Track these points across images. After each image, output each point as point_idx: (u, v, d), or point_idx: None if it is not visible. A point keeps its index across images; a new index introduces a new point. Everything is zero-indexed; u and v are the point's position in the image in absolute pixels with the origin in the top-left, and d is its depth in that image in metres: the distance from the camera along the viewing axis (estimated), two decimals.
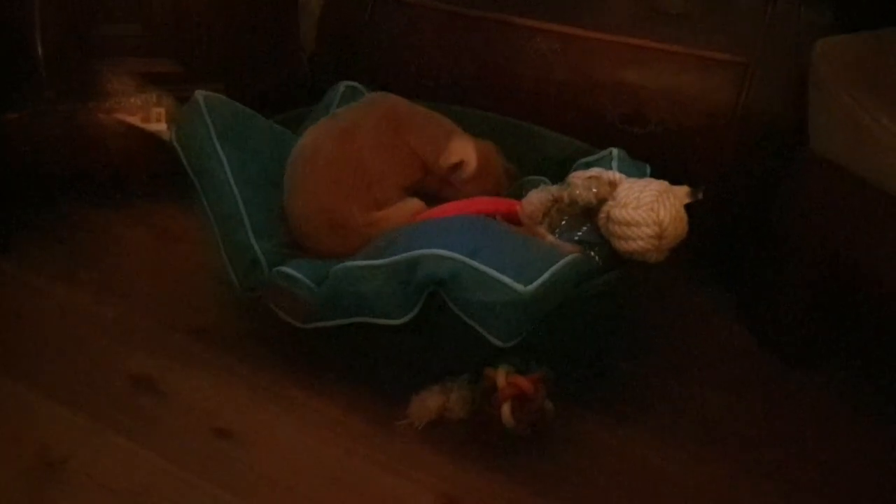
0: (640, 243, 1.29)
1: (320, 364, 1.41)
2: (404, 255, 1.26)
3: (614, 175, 1.38)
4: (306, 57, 2.11)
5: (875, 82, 1.34)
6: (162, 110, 1.90)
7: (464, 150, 1.51)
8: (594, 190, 1.35)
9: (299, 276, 1.35)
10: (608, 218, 1.32)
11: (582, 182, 1.36)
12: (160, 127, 1.89)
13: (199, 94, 1.49)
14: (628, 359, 1.50)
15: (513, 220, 1.43)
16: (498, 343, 1.20)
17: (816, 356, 1.51)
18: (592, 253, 1.33)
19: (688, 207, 1.35)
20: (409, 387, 1.33)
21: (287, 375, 1.40)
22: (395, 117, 1.54)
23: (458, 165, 1.51)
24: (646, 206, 1.29)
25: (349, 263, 1.31)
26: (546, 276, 1.20)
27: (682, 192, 1.37)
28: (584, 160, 1.57)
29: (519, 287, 1.17)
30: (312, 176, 1.46)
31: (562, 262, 1.23)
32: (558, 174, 1.60)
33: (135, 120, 1.93)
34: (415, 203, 1.46)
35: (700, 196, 1.37)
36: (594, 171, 1.42)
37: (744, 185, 1.59)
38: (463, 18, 1.79)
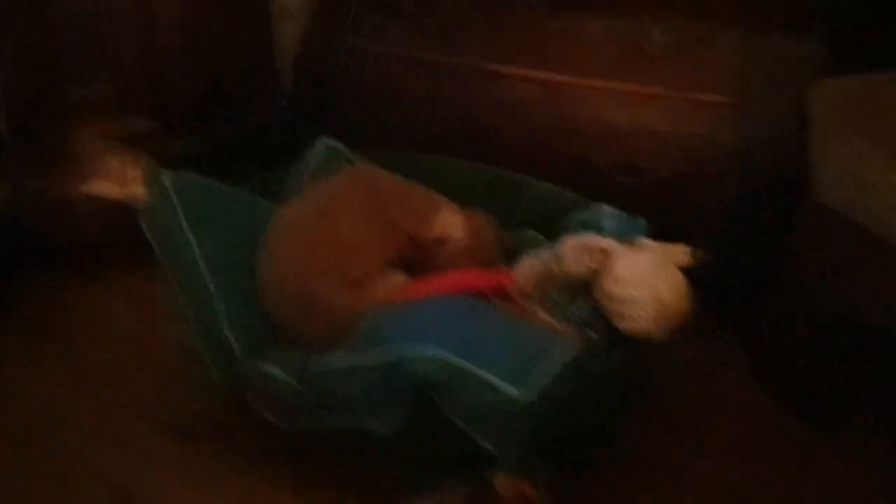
0: (641, 323, 1.21)
1: (309, 465, 1.34)
2: (389, 354, 1.18)
3: (605, 242, 1.29)
4: (285, 99, 2.03)
5: (875, 131, 1.26)
6: (139, 173, 1.81)
7: (450, 224, 1.44)
8: (585, 261, 1.26)
9: (280, 374, 1.27)
10: (603, 293, 1.24)
11: (572, 253, 1.27)
12: (138, 191, 1.81)
13: (167, 178, 1.40)
14: (632, 424, 1.42)
15: (504, 295, 1.34)
16: (494, 452, 1.12)
17: (835, 414, 1.42)
18: (591, 333, 1.24)
19: (689, 269, 1.27)
20: (402, 489, 1.25)
21: (276, 478, 1.32)
22: (375, 190, 1.46)
23: (445, 239, 1.43)
24: (642, 282, 1.21)
25: (331, 363, 1.23)
26: (546, 379, 1.11)
27: (680, 254, 1.29)
28: (577, 217, 1.48)
29: (516, 394, 1.09)
30: (287, 257, 1.38)
31: (561, 362, 1.15)
32: (550, 227, 1.52)
33: (110, 188, 1.85)
34: (398, 280, 1.38)
35: (701, 256, 1.29)
36: (585, 237, 1.33)
37: (747, 233, 1.50)
38: (440, 66, 1.70)
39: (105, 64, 1.75)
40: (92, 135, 1.81)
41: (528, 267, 1.35)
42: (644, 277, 1.21)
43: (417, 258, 1.45)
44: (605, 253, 1.25)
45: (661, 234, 1.41)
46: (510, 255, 1.45)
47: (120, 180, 1.85)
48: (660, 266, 1.22)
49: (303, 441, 1.31)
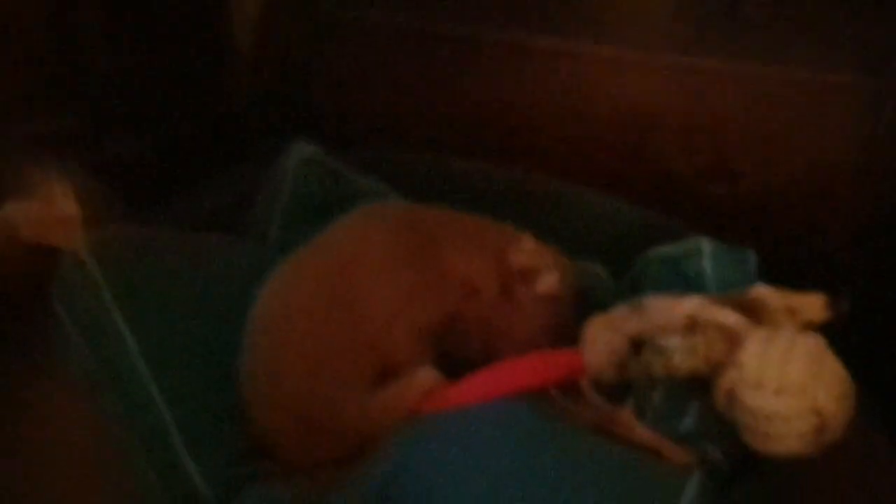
0: (791, 443, 0.83)
1: None
2: None
3: (731, 320, 0.89)
4: (247, 84, 1.61)
5: None
6: (67, 188, 1.43)
7: (539, 254, 1.02)
8: (701, 353, 0.86)
9: None
10: (734, 401, 0.85)
11: (681, 344, 0.87)
12: (69, 211, 1.42)
13: (85, 248, 0.99)
14: None
15: (574, 384, 0.95)
16: None
17: None
18: (712, 450, 0.85)
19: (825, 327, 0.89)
20: None
21: None
22: (416, 223, 1.05)
23: (533, 274, 1.01)
24: (795, 388, 0.82)
25: None
26: None
27: (815, 309, 0.91)
28: (660, 254, 1.08)
29: None
30: (284, 349, 0.97)
31: None
32: (614, 256, 1.13)
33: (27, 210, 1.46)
34: (427, 378, 0.96)
35: (845, 307, 0.91)
36: (692, 300, 0.93)
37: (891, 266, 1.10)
38: (454, 42, 1.27)
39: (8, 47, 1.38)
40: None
41: (604, 345, 0.95)
42: (796, 379, 0.82)
43: (476, 314, 1.04)
44: (732, 340, 0.85)
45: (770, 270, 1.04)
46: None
47: (43, 202, 1.47)
48: (816, 358, 0.83)
49: None
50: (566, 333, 0.99)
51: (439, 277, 1.00)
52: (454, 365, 0.97)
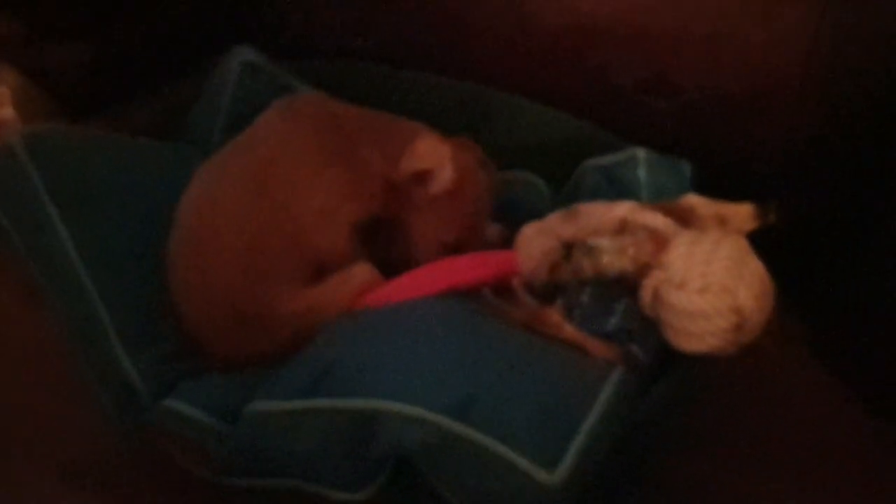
0: (712, 341, 0.85)
1: None
2: (359, 401, 0.81)
3: (660, 223, 0.91)
4: None
5: None
6: (4, 91, 1.40)
7: (433, 153, 1.01)
8: (630, 254, 0.88)
9: (197, 413, 0.90)
10: (658, 300, 0.87)
11: (611, 244, 0.89)
12: (6, 114, 1.40)
13: (18, 142, 0.97)
14: (671, 437, 1.07)
15: (507, 285, 0.96)
16: None
17: None
18: (635, 349, 0.88)
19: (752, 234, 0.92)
20: None
21: None
22: (333, 121, 1.04)
23: (426, 175, 1.01)
24: (717, 287, 0.84)
25: (274, 403, 0.85)
26: (579, 441, 0.76)
27: (744, 218, 0.93)
28: (597, 163, 1.09)
29: (541, 475, 0.74)
30: (213, 246, 0.97)
31: (598, 410, 0.79)
32: (552, 167, 1.14)
33: None
34: (363, 272, 0.98)
35: (772, 217, 0.93)
36: (624, 205, 0.95)
37: (825, 179, 1.12)
38: None
39: None
40: None
41: (537, 248, 0.96)
42: (718, 279, 0.84)
43: (392, 213, 1.05)
44: (659, 244, 0.87)
45: (706, 181, 1.05)
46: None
47: None
48: (738, 259, 0.85)
49: (237, 498, 0.94)
50: (475, 229, 1.01)
51: (364, 177, 1.01)
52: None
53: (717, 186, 1.02)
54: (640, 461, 0.92)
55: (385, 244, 1.02)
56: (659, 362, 0.89)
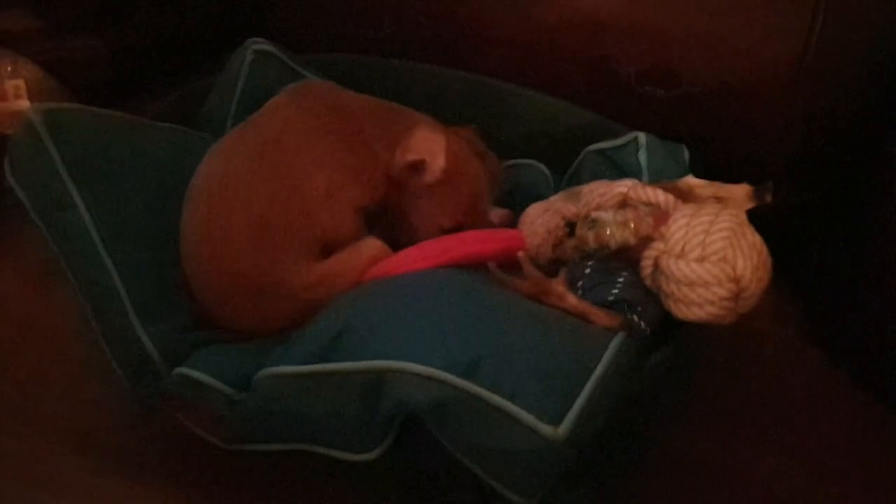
0: (710, 309, 0.88)
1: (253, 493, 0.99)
2: (368, 362, 0.83)
3: (661, 197, 0.94)
4: None
5: None
6: (20, 83, 1.43)
7: (427, 144, 1.05)
8: (632, 227, 0.91)
9: (211, 381, 0.93)
10: (659, 270, 0.90)
11: (613, 217, 0.92)
12: (22, 106, 1.42)
13: (36, 114, 1.00)
14: (673, 415, 1.10)
15: (512, 261, 0.99)
16: (518, 500, 0.80)
17: None
18: (636, 318, 0.91)
19: (750, 213, 0.94)
20: None
21: None
22: (340, 107, 1.08)
23: (419, 165, 1.05)
24: (716, 257, 0.87)
25: (285, 368, 0.88)
26: (582, 399, 0.79)
27: (742, 198, 0.97)
28: (596, 147, 1.13)
29: (546, 430, 0.76)
30: (226, 221, 1.00)
31: (601, 371, 0.81)
32: (557, 154, 1.17)
33: None
34: (372, 246, 1.01)
35: (768, 198, 0.97)
36: (625, 182, 0.98)
37: (819, 165, 1.16)
38: None
39: None
40: None
41: (541, 225, 1.00)
42: (716, 249, 0.87)
43: (393, 199, 1.09)
44: (659, 218, 0.90)
45: (705, 166, 1.08)
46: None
47: None
48: (736, 232, 0.88)
49: (247, 463, 0.97)
50: (474, 215, 1.05)
51: (367, 162, 1.05)
52: None
53: (715, 173, 1.05)
54: (641, 426, 0.95)
55: (388, 229, 1.06)
56: (658, 332, 0.91)
